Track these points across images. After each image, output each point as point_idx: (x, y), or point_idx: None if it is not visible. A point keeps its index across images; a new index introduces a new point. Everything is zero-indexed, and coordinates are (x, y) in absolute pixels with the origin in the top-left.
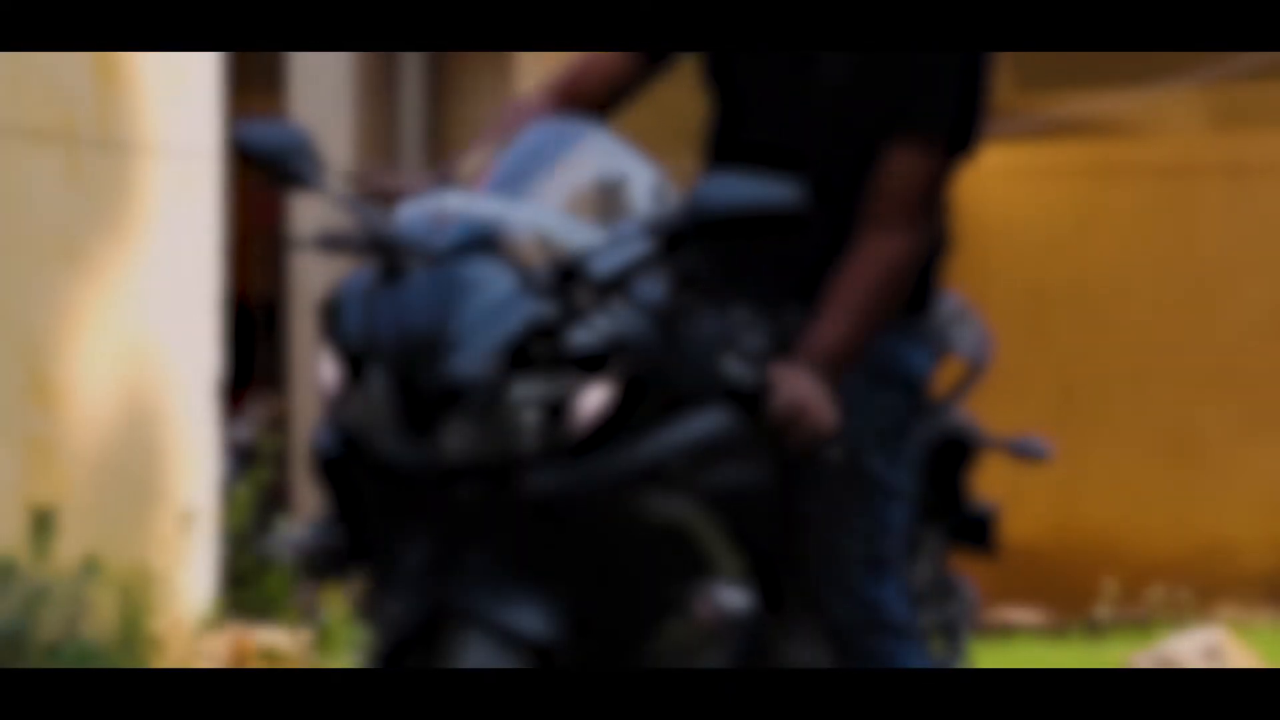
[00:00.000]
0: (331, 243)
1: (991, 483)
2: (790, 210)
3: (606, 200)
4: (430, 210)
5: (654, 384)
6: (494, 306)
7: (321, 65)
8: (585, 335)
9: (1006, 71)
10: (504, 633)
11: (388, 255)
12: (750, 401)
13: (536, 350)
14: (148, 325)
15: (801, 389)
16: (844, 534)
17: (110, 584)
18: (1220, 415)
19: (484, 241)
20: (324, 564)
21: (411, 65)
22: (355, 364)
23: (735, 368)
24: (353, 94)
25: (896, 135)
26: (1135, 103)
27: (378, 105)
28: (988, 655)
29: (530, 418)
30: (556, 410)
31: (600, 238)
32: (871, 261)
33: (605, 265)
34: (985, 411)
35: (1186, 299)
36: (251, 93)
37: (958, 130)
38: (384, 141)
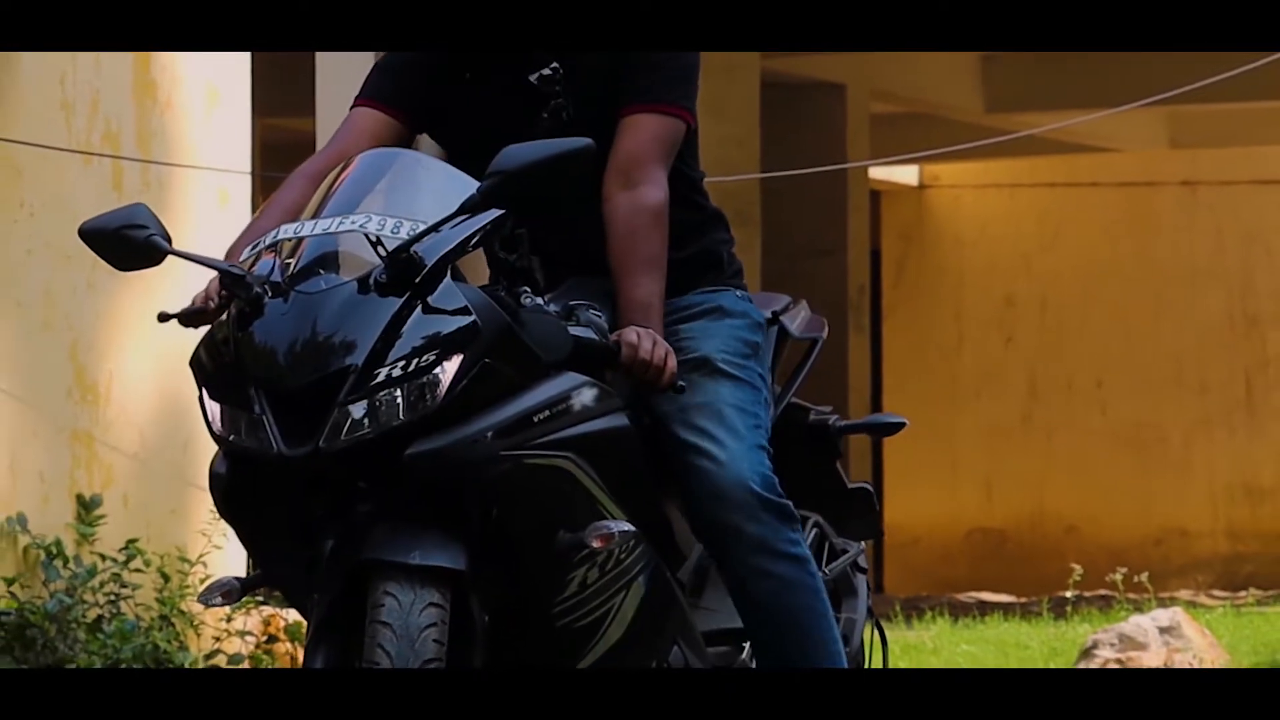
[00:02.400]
0: (193, 315)
1: (966, 477)
2: (583, 150)
3: (427, 203)
4: (267, 245)
5: (509, 357)
6: (344, 311)
7: (347, 90)
8: (432, 318)
9: (976, 94)
10: (417, 570)
11: (242, 294)
12: (600, 362)
13: (391, 338)
14: (184, 329)
15: (644, 342)
16: (728, 430)
17: (149, 567)
18: (1176, 413)
19: (324, 259)
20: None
21: None
22: (234, 395)
23: (583, 334)
24: None
25: (628, 109)
26: (1099, 123)
27: None
28: (964, 633)
29: (398, 397)
30: (422, 385)
31: (423, 227)
32: (634, 215)
33: (435, 250)
34: (958, 410)
35: (1145, 304)
36: (281, 115)
37: (679, 100)
38: None
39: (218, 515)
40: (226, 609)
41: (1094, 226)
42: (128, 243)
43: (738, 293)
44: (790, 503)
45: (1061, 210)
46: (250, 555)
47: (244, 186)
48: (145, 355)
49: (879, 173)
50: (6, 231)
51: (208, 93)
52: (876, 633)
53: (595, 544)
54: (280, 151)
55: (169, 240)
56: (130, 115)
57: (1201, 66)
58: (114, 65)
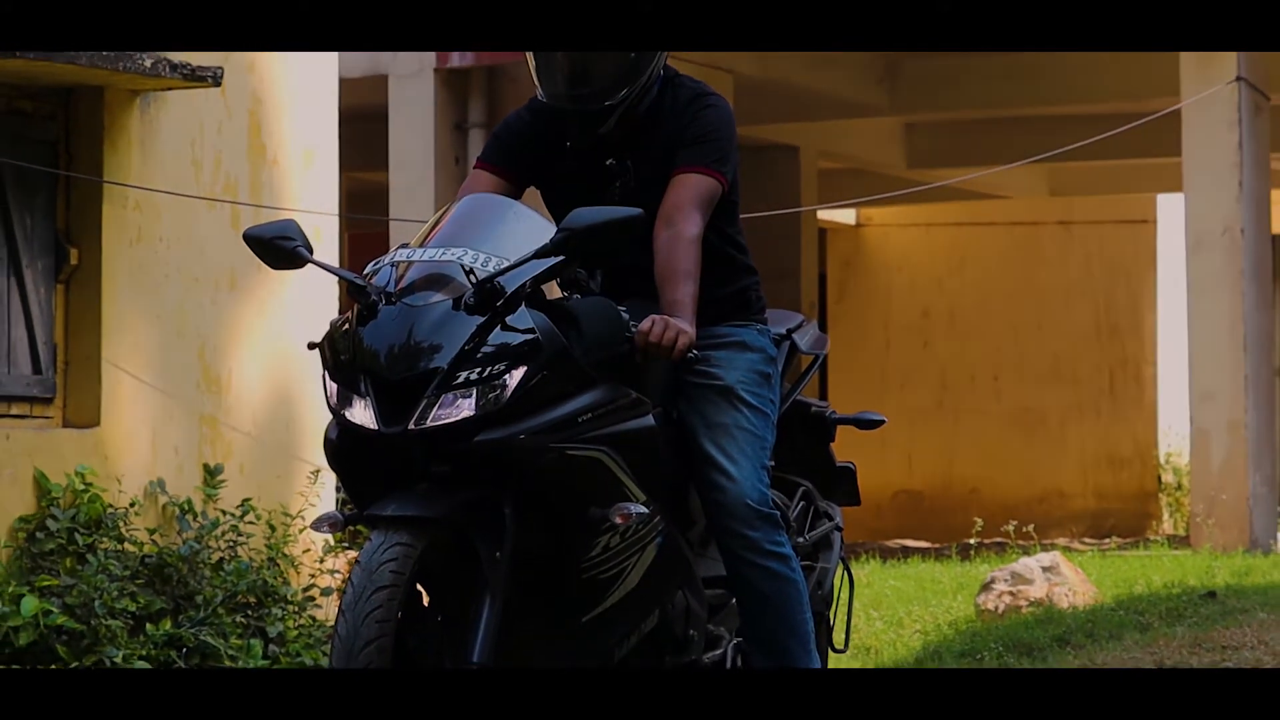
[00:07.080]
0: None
1: (892, 450)
2: (634, 219)
3: (512, 243)
4: (387, 263)
5: (563, 370)
6: (438, 323)
7: (411, 146)
8: (506, 335)
9: (900, 154)
10: (392, 519)
11: (362, 300)
12: (632, 355)
13: (473, 348)
14: (288, 334)
15: (655, 327)
16: (740, 452)
17: (260, 520)
18: (1055, 400)
19: (429, 280)
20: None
21: (477, 144)
22: (348, 379)
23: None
24: (434, 167)
25: (674, 173)
26: (994, 176)
27: (452, 174)
28: (889, 572)
29: (473, 396)
30: (492, 388)
31: (506, 264)
32: (674, 243)
33: (513, 282)
34: (886, 398)
35: (1031, 316)
36: (362, 169)
37: (715, 165)
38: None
39: (315, 481)
40: (319, 553)
41: (991, 256)
42: (279, 250)
43: (758, 328)
44: (779, 513)
45: (966, 244)
46: (350, 498)
47: (333, 227)
48: (258, 356)
49: (825, 214)
50: (149, 260)
51: (304, 153)
52: (846, 576)
53: (618, 520)
54: (362, 199)
55: (311, 251)
56: (245, 170)
57: (1075, 132)
58: (232, 132)
